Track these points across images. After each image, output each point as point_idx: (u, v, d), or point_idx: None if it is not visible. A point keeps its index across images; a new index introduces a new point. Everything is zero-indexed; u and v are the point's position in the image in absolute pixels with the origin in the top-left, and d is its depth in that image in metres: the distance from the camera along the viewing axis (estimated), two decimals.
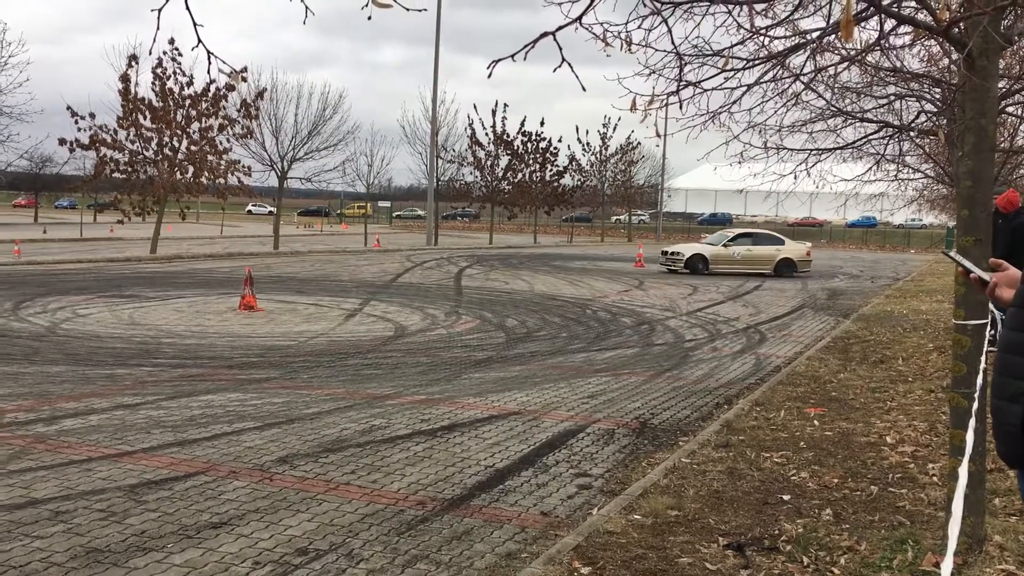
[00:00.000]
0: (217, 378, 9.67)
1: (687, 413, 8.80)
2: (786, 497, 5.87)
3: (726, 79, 5.30)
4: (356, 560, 4.85)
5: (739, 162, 8.64)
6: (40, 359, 10.41)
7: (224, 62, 2.92)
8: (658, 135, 5.39)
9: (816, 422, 7.98)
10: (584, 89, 3.69)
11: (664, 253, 30.16)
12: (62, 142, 28.64)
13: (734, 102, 5.66)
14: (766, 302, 20.20)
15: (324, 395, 8.95)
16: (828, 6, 5.55)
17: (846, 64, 6.88)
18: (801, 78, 5.97)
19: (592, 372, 10.82)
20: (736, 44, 5.25)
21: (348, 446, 7.09)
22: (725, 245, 29.08)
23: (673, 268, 28.77)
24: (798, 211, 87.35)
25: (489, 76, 3.36)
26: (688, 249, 29.50)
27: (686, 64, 5.00)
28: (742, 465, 6.57)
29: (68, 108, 28.41)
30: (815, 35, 5.33)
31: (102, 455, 6.60)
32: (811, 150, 9.71)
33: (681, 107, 5.27)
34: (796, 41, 5.41)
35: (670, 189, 72.96)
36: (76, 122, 28.50)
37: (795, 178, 10.22)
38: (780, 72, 5.64)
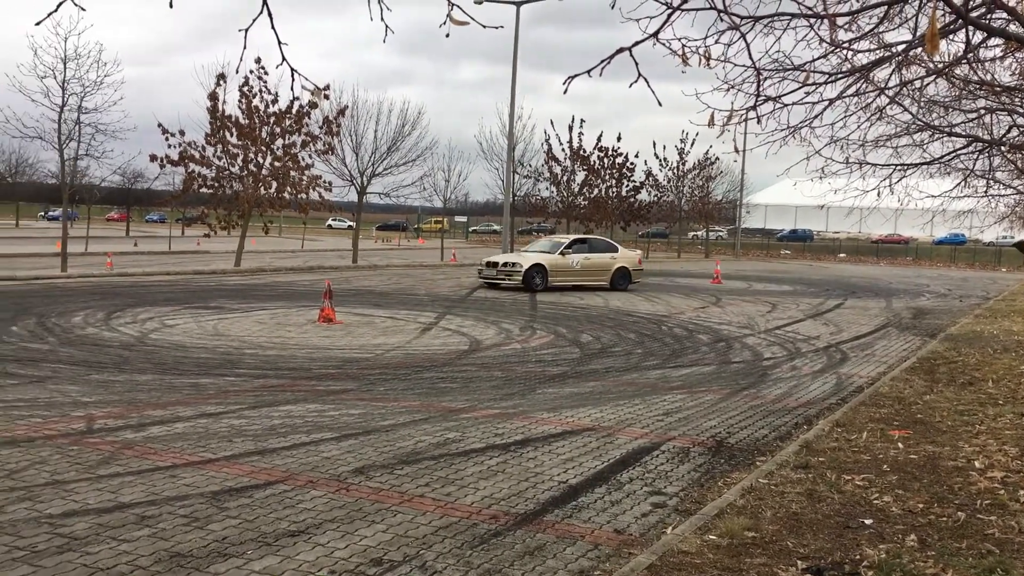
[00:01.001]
0: (297, 389, 9.87)
1: (765, 433, 8.63)
2: (868, 521, 5.70)
3: (807, 93, 5.23)
4: (429, 572, 4.89)
5: (820, 177, 8.50)
6: (129, 368, 10.78)
7: (307, 79, 3.01)
8: (736, 150, 5.34)
9: (900, 445, 7.75)
10: (660, 104, 3.69)
11: (491, 265, 24.72)
12: (153, 158, 29.67)
13: (815, 117, 5.58)
14: (848, 320, 19.72)
15: (400, 407, 9.06)
16: (914, 18, 5.43)
17: (933, 77, 6.72)
18: (886, 92, 5.85)
19: (667, 389, 10.70)
20: (818, 58, 5.18)
21: (423, 458, 7.15)
22: (562, 253, 24.82)
23: (502, 284, 24.11)
24: (882, 228, 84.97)
25: (565, 91, 3.38)
26: (525, 259, 24.53)
27: (765, 79, 4.94)
28: (822, 487, 6.41)
29: (159, 125, 29.44)
30: (901, 48, 5.21)
31: (186, 462, 6.79)
32: (896, 165, 9.48)
33: (760, 122, 5.21)
34: (881, 54, 5.30)
35: (749, 205, 71.80)
36: (167, 139, 29.51)
37: (879, 194, 9.99)
38: (864, 86, 5.54)
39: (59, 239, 26.97)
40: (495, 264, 24.70)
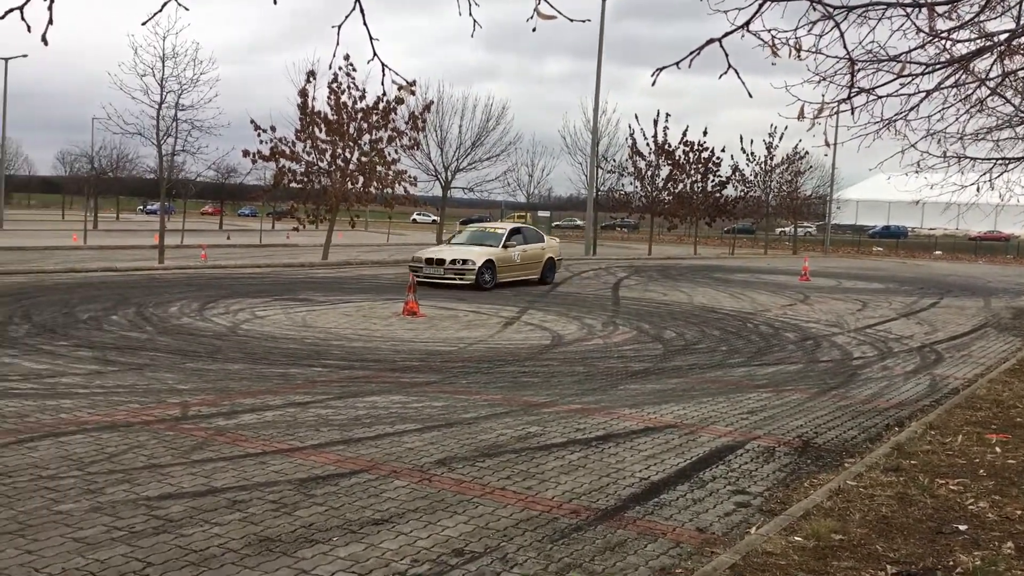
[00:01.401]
0: (381, 380, 10.04)
1: (854, 434, 8.41)
2: (962, 527, 5.51)
3: (902, 85, 5.06)
4: (510, 564, 4.92)
5: (915, 172, 8.22)
6: (222, 357, 11.13)
7: (397, 74, 3.05)
8: (827, 144, 5.21)
9: (998, 449, 7.46)
10: (751, 96, 3.63)
11: (434, 262, 21.52)
12: (245, 154, 30.53)
13: (911, 109, 5.40)
14: (943, 320, 19.05)
15: (482, 401, 9.13)
16: (1018, 6, 5.21)
17: None
18: (987, 83, 5.62)
19: (752, 387, 10.52)
20: (914, 48, 5.01)
21: (504, 451, 7.19)
22: (505, 246, 22.34)
23: (452, 283, 21.12)
24: (981, 224, 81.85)
25: (653, 84, 3.36)
26: (474, 254, 21.56)
27: (859, 70, 4.81)
28: (913, 491, 6.22)
29: (252, 122, 30.25)
30: (1003, 37, 5.01)
31: (275, 449, 6.98)
32: (997, 159, 9.11)
33: (853, 115, 5.07)
34: (982, 44, 5.10)
35: (839, 200, 69.99)
36: (258, 135, 30.31)
37: (978, 189, 9.62)
38: (963, 77, 5.34)
39: (157, 232, 27.99)
40: (440, 261, 21.46)
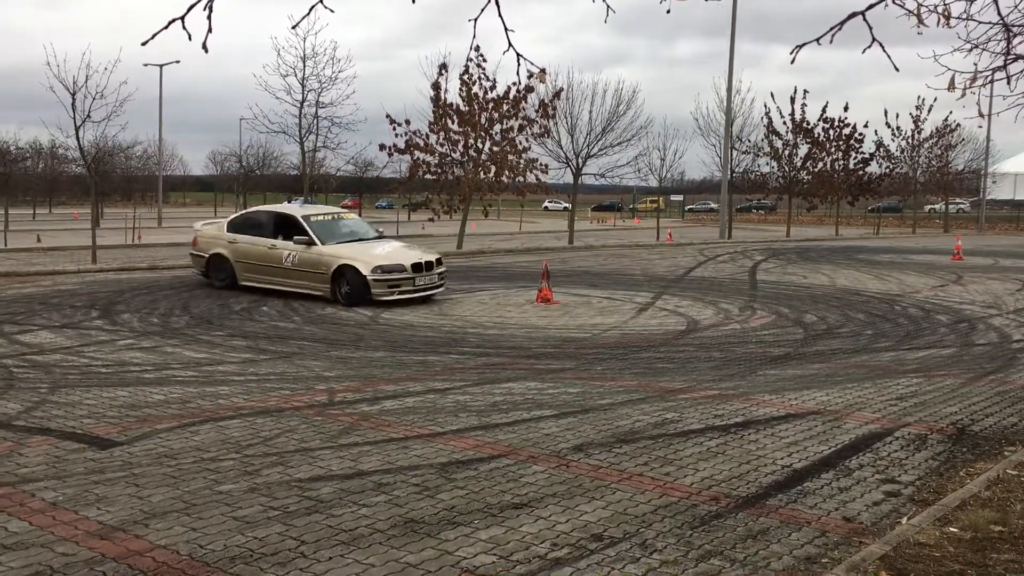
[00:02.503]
0: (517, 367, 10.17)
1: (1014, 421, 7.95)
2: None
3: None
4: (649, 550, 4.91)
5: None
6: (364, 345, 11.52)
7: (532, 63, 3.09)
8: (981, 115, 4.92)
9: None
10: (897, 69, 3.47)
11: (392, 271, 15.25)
12: (382, 147, 31.37)
13: None
14: None
15: (617, 387, 9.11)
16: None
17: None
18: None
19: (901, 372, 10.08)
20: None
21: (641, 438, 7.17)
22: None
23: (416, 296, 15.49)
24: None
25: (792, 62, 3.27)
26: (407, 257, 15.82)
27: (1015, 35, 4.52)
28: None
29: (387, 116, 31.04)
30: None
31: (417, 434, 7.19)
32: None
33: (1009, 83, 4.77)
34: None
35: (995, 174, 65.71)
36: (393, 129, 31.08)
37: None
38: None
39: None
40: (400, 268, 15.33)
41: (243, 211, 17.35)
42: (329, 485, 5.92)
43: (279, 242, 16.17)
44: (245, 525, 5.19)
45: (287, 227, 16.37)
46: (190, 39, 2.90)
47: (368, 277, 15.12)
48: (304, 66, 25.96)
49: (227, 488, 5.84)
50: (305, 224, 16.15)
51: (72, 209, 64.82)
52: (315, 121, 26.78)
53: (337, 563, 4.69)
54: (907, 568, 4.45)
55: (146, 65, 48.14)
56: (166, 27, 2.87)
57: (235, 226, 17.11)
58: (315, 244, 15.79)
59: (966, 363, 10.75)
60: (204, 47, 2.97)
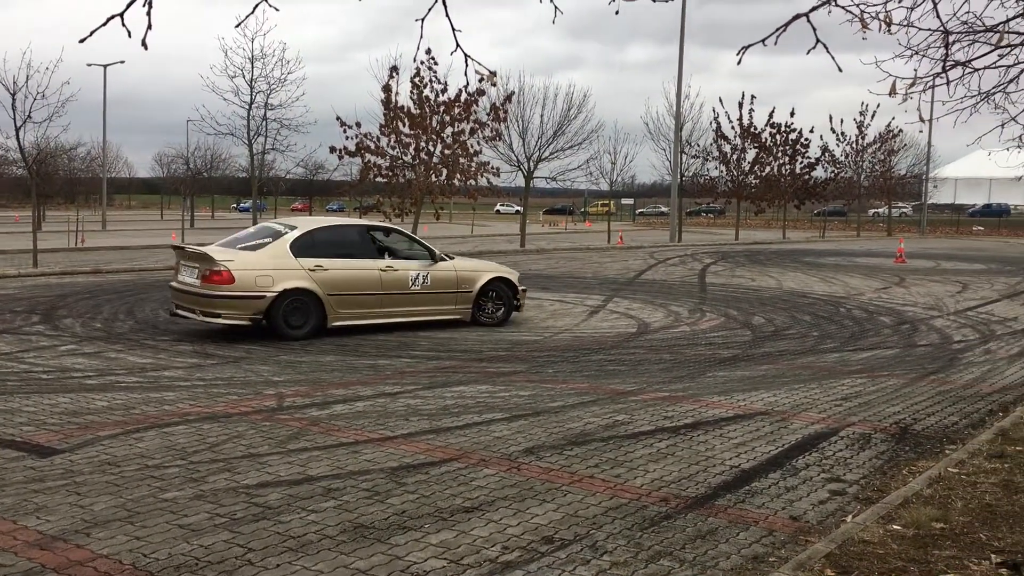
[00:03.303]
0: (468, 370, 10.14)
1: (955, 420, 8.13)
2: None
3: (1001, 56, 4.85)
4: (600, 552, 4.92)
5: (1018, 146, 7.87)
6: (314, 349, 11.39)
7: (480, 64, 3.08)
8: (922, 120, 5.03)
9: None
10: (840, 70, 3.54)
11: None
12: (332, 150, 31.10)
13: (1011, 81, 5.17)
14: None
15: (568, 389, 9.13)
16: None
17: None
18: None
19: (846, 373, 10.27)
20: (1013, 17, 4.79)
21: (592, 440, 7.19)
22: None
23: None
24: None
25: (739, 63, 3.30)
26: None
27: (954, 42, 4.62)
28: (1019, 478, 5.98)
29: (337, 118, 30.79)
30: None
31: (367, 439, 7.13)
32: None
33: (948, 89, 4.89)
34: None
35: (936, 179, 67.37)
36: (344, 131, 30.83)
37: None
38: None
39: None
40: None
41: (308, 228, 12.66)
42: (277, 491, 5.84)
43: (397, 262, 13.02)
44: (190, 533, 5.10)
45: (390, 244, 13.62)
46: (129, 36, 2.85)
47: (519, 289, 13.92)
48: (252, 67, 25.69)
49: (172, 495, 5.72)
50: (417, 238, 14.06)
51: (13, 212, 63.26)
52: (264, 123, 26.50)
53: (285, 570, 4.62)
54: (852, 566, 4.52)
55: (90, 65, 47.25)
56: (105, 23, 2.80)
57: (308, 248, 12.36)
58: (444, 259, 13.63)
59: (908, 364, 10.98)
60: (144, 44, 2.91)
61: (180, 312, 12.24)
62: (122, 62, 50.08)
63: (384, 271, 12.79)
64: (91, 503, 5.55)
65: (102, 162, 55.86)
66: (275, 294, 11.81)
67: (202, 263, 11.83)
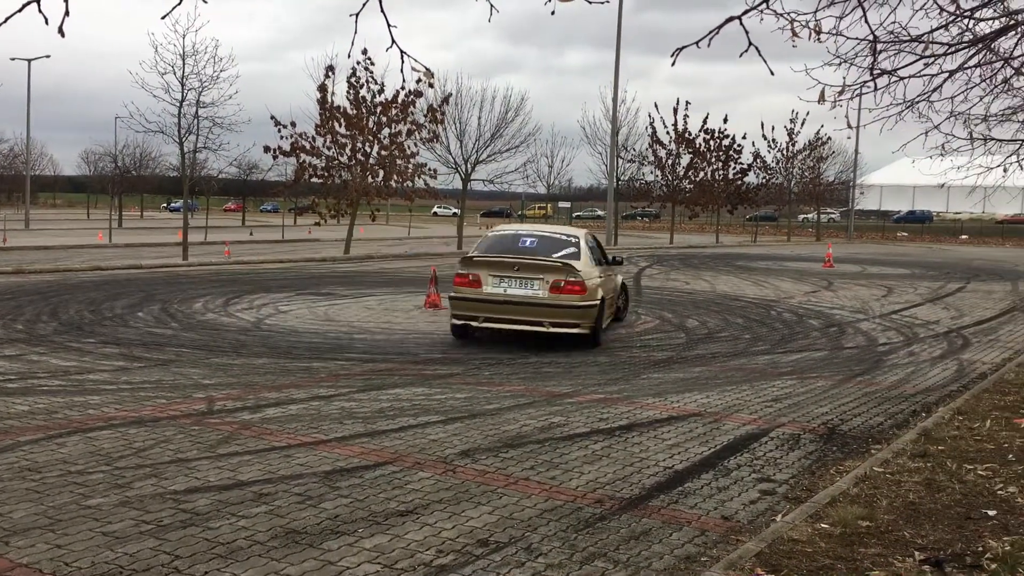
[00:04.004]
0: (404, 373, 10.07)
1: (880, 420, 8.34)
2: (991, 512, 5.45)
3: (926, 65, 5.00)
4: (535, 554, 4.92)
5: (940, 155, 8.12)
6: (246, 352, 11.20)
7: (416, 60, 3.05)
8: (850, 126, 5.14)
9: None
10: (772, 73, 3.59)
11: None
12: (266, 149, 30.67)
13: (934, 89, 5.33)
14: (970, 305, 18.84)
15: (504, 392, 9.13)
16: None
17: None
18: (1011, 63, 5.53)
19: (777, 375, 10.46)
20: (937, 28, 4.94)
21: (527, 442, 7.20)
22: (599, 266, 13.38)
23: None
24: (1009, 207, 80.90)
25: (673, 64, 3.33)
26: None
27: (881, 51, 4.74)
28: (941, 477, 6.16)
29: (272, 118, 30.39)
30: None
31: (300, 442, 7.02)
32: (1023, 140, 8.98)
33: (875, 97, 5.01)
34: (1005, 23, 5.02)
35: (863, 186, 69.20)
36: (279, 131, 30.44)
37: (1004, 171, 9.49)
38: (987, 56, 5.25)
39: (180, 229, 28.19)
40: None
41: (589, 235, 13.16)
42: (206, 497, 5.71)
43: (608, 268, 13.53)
44: (115, 540, 4.95)
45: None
46: (47, 23, 2.73)
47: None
48: (184, 64, 25.10)
49: (96, 502, 5.55)
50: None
51: None
52: (195, 121, 25.90)
53: None
54: (781, 564, 4.59)
55: (13, 59, 45.76)
56: (20, 10, 2.69)
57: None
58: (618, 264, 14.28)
59: (836, 365, 11.24)
60: (60, 31, 2.80)
61: (489, 324, 11.89)
62: (47, 56, 48.72)
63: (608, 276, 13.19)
64: (10, 511, 5.35)
65: (26, 159, 54.17)
66: (598, 302, 12.07)
67: (555, 274, 11.61)
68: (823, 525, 5.17)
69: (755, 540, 4.98)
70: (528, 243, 12.56)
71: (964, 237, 64.16)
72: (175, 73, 25.19)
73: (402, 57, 3.05)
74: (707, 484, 6.26)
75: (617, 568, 4.76)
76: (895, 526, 5.19)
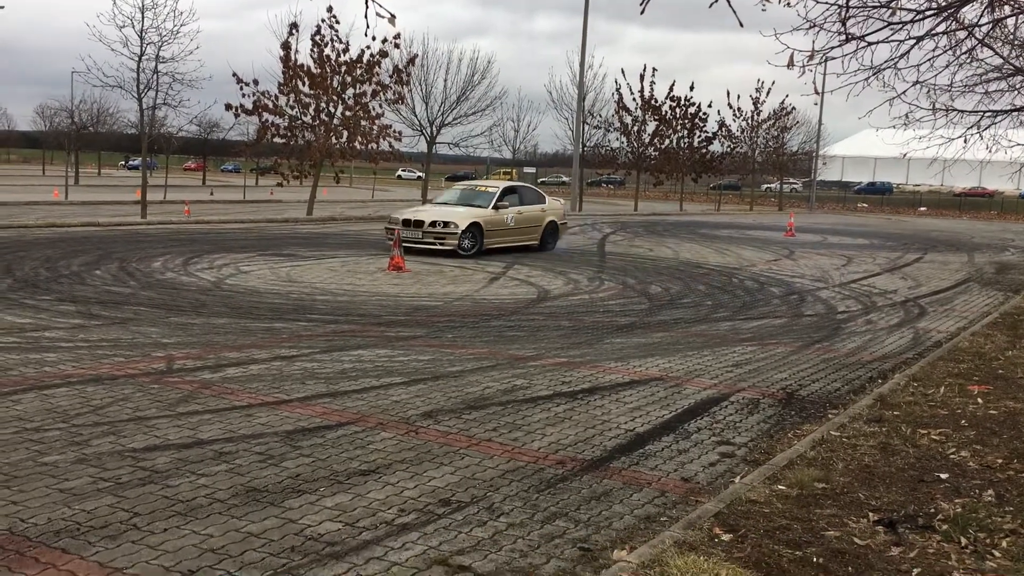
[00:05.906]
0: (367, 334, 10.02)
1: (837, 386, 8.48)
2: (944, 475, 5.58)
3: (893, 31, 5.00)
4: (496, 513, 4.94)
5: (904, 125, 8.19)
6: (207, 311, 11.07)
7: (381, 6, 2.98)
8: (817, 92, 5.16)
9: (979, 400, 7.53)
10: (741, 24, 3.56)
11: (412, 223, 18.86)
12: (228, 107, 30.10)
13: (901, 56, 5.35)
14: (927, 275, 19.16)
15: (468, 354, 9.13)
16: None
17: None
18: (975, 32, 5.57)
19: (737, 341, 10.57)
20: None
21: (490, 404, 7.21)
22: (496, 207, 19.66)
23: (430, 247, 18.63)
24: (966, 180, 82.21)
25: (642, 12, 3.29)
26: (458, 216, 18.93)
27: (849, 17, 4.74)
28: (896, 441, 6.28)
29: (234, 75, 29.79)
30: None
31: (261, 402, 6.97)
32: (984, 112, 9.09)
33: (843, 63, 5.02)
34: None
35: (825, 156, 69.83)
36: (241, 89, 29.88)
37: (965, 142, 9.61)
38: (952, 25, 5.28)
39: (139, 187, 27.68)
40: (419, 223, 18.83)
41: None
42: (165, 455, 5.65)
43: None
44: (72, 497, 4.89)
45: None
46: None
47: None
48: (143, 17, 24.49)
49: (52, 459, 5.48)
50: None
51: None
52: (155, 76, 25.33)
53: (173, 534, 4.48)
54: (739, 524, 4.66)
55: None
56: None
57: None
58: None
59: (796, 332, 11.38)
60: None
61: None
62: (2, 7, 47.16)
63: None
64: None
65: None
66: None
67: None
68: (780, 487, 5.26)
69: (714, 501, 5.05)
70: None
71: (923, 209, 65.17)
72: (134, 26, 24.60)
73: (366, 2, 2.98)
74: (668, 446, 6.33)
75: (578, 527, 4.80)
76: (850, 488, 5.29)
